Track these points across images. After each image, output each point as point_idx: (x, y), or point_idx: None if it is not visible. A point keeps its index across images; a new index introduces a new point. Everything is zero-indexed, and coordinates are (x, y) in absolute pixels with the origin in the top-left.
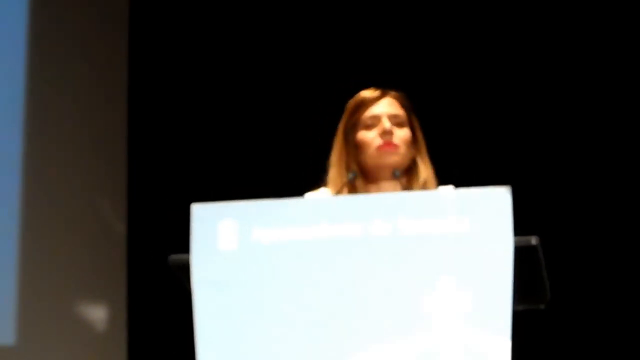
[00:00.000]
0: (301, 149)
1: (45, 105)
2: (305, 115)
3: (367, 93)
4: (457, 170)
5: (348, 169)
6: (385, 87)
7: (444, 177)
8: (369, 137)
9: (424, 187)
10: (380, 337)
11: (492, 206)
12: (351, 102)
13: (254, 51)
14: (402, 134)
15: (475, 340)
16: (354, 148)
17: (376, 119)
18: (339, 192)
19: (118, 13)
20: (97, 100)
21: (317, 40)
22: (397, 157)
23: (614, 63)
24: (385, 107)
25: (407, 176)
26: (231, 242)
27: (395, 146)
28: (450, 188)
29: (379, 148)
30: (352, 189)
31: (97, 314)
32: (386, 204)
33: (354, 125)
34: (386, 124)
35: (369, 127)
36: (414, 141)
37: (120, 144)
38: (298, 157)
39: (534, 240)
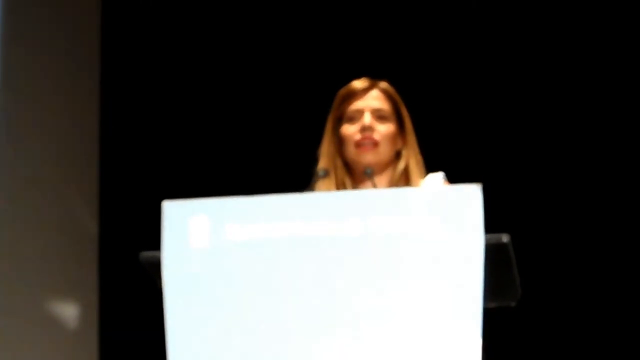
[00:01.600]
0: (275, 144)
1: (17, 101)
2: (282, 110)
3: (356, 84)
4: (428, 167)
5: (333, 161)
6: (373, 76)
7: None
8: (350, 131)
9: (406, 178)
10: (350, 336)
11: (463, 203)
12: (340, 93)
13: (225, 45)
14: (383, 129)
15: (446, 338)
16: (339, 140)
17: (359, 113)
18: (313, 188)
19: (91, 9)
20: (69, 97)
21: (297, 28)
22: (373, 156)
23: (591, 57)
24: (370, 101)
25: (392, 167)
26: (203, 239)
27: (374, 143)
28: (439, 176)
29: (357, 144)
30: (338, 182)
31: (68, 311)
32: (358, 201)
33: (340, 117)
34: (367, 119)
35: (351, 120)
36: (400, 133)
37: (92, 142)
38: (270, 153)
39: (504, 238)
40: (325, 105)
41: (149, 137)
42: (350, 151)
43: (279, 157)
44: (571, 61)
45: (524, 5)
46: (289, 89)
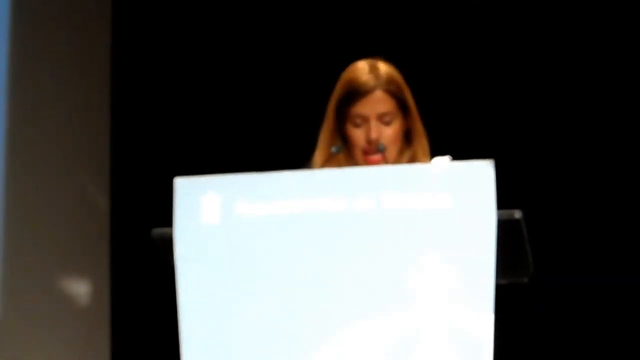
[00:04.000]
0: (286, 123)
1: (27, 82)
2: (291, 87)
3: (359, 79)
4: (439, 143)
5: (334, 144)
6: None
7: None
8: (357, 136)
9: (412, 160)
10: (363, 313)
11: (475, 180)
12: (342, 84)
13: (236, 31)
14: (389, 132)
15: (458, 314)
16: (343, 136)
17: (364, 119)
18: (323, 165)
19: None
20: (79, 76)
21: (298, 18)
22: (380, 161)
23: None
24: (374, 105)
25: (400, 155)
26: (214, 216)
27: (381, 157)
28: (446, 159)
29: (364, 152)
30: (338, 162)
31: (80, 288)
32: (370, 177)
33: (344, 116)
34: (373, 134)
35: (357, 125)
36: (405, 120)
37: (103, 119)
38: (282, 130)
39: (517, 214)
40: (331, 87)
41: (160, 114)
42: (357, 154)
43: (291, 133)
44: (580, 40)
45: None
46: (300, 63)
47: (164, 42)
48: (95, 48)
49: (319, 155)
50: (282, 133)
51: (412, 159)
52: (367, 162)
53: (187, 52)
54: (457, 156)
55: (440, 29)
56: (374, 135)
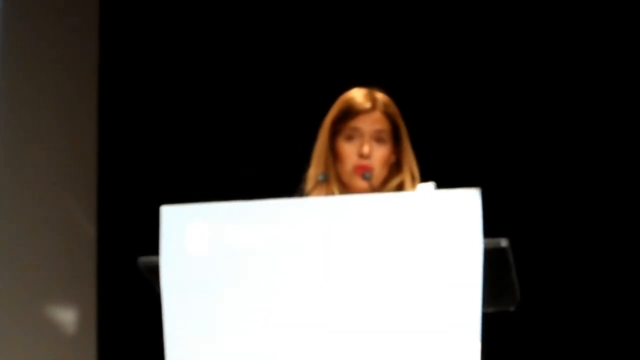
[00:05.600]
0: (274, 149)
1: (15, 106)
2: (277, 116)
3: (357, 100)
4: (426, 171)
5: (327, 170)
6: (368, 84)
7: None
8: (348, 151)
9: (400, 188)
10: (349, 341)
11: (462, 207)
12: (339, 104)
13: (223, 51)
14: (380, 153)
15: (445, 343)
16: (333, 153)
17: (358, 133)
18: (310, 193)
19: (89, 12)
20: (68, 101)
21: (293, 35)
22: (366, 184)
23: (588, 63)
24: (370, 123)
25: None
26: (201, 244)
27: (370, 169)
28: (430, 185)
29: (354, 168)
30: (327, 187)
31: (67, 316)
32: (356, 205)
33: (337, 131)
34: (365, 149)
35: (350, 138)
36: (396, 148)
37: (91, 145)
38: (270, 158)
39: (503, 243)
40: (324, 111)
41: (147, 142)
42: (346, 170)
43: (277, 162)
44: (570, 65)
45: (523, 10)
46: (286, 93)
47: (151, 67)
48: (82, 75)
49: (312, 174)
50: (270, 161)
51: (400, 187)
52: (354, 185)
53: (175, 80)
54: (443, 183)
55: (429, 59)
56: (366, 149)
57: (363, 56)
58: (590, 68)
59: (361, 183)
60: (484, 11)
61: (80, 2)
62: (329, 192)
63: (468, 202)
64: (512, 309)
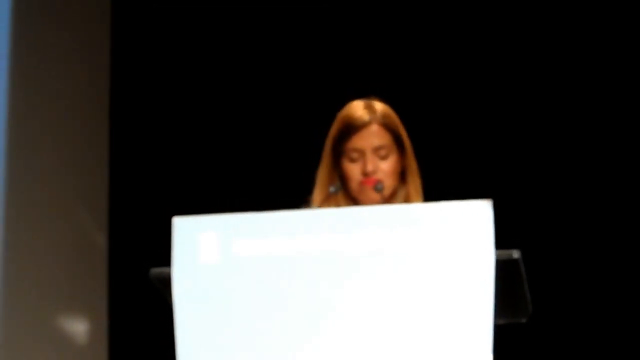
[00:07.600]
0: (285, 160)
1: (26, 115)
2: (289, 126)
3: (355, 116)
4: (438, 183)
5: (332, 183)
6: (369, 93)
7: (425, 189)
8: (353, 171)
9: (406, 200)
10: (360, 352)
11: (474, 219)
12: (338, 123)
13: (236, 61)
14: (385, 167)
15: (457, 355)
16: (340, 173)
17: (360, 153)
18: (321, 204)
19: (100, 25)
20: (79, 111)
21: (301, 46)
22: (377, 196)
23: (596, 73)
24: (370, 139)
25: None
26: (212, 255)
27: (379, 196)
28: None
29: (361, 184)
30: (336, 202)
31: (78, 326)
32: (368, 217)
33: (340, 153)
34: (369, 167)
35: (353, 160)
36: (401, 157)
37: (102, 156)
38: (281, 169)
39: (515, 254)
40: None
41: (159, 152)
42: (354, 189)
43: (289, 173)
44: (583, 77)
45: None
46: (297, 103)
47: (164, 75)
48: (94, 83)
49: (317, 194)
50: (281, 173)
51: (406, 199)
52: (364, 200)
53: (188, 91)
54: (455, 194)
55: (435, 70)
56: (369, 167)
57: (374, 66)
58: (604, 81)
59: (372, 195)
60: (494, 22)
61: (92, 16)
62: (338, 207)
63: (480, 213)
64: (524, 320)
